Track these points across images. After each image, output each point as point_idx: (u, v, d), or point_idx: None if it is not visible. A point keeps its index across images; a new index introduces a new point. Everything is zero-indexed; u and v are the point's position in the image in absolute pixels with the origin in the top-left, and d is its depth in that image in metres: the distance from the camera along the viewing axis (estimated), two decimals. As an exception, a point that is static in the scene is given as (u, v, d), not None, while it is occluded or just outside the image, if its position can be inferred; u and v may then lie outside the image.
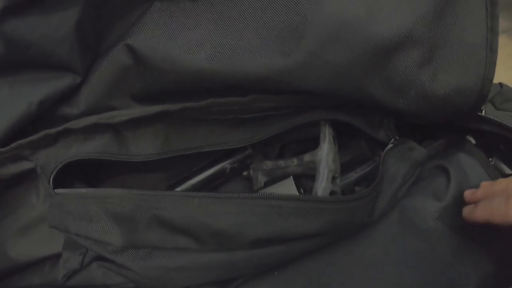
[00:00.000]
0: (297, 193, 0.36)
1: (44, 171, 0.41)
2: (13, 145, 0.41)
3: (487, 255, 0.34)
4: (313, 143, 0.40)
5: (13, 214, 0.46)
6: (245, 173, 0.43)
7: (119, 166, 0.43)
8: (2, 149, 0.41)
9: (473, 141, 0.42)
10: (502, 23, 1.08)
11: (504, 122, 0.38)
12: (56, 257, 0.46)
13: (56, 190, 0.39)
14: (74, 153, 0.41)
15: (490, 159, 0.39)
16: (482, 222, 0.32)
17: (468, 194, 0.34)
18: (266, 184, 0.40)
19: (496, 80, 0.40)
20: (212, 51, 0.34)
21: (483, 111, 0.38)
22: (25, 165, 0.42)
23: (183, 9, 0.37)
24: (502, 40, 1.17)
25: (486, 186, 0.34)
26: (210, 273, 0.33)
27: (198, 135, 0.39)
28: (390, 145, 0.37)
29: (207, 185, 0.43)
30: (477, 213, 0.32)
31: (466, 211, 0.33)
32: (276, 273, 0.33)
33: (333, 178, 0.34)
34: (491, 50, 0.33)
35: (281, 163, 0.39)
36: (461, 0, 0.32)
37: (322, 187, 0.33)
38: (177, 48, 0.36)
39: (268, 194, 0.29)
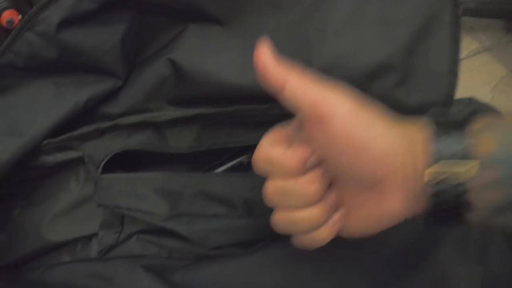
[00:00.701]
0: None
1: (91, 159, 0.47)
2: (64, 136, 0.46)
3: None
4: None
5: (51, 198, 0.50)
6: (258, 165, 0.51)
7: (153, 158, 0.50)
8: (52, 140, 0.45)
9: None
10: (485, 42, 1.17)
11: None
12: (88, 238, 0.50)
13: (103, 175, 0.46)
14: (121, 145, 0.47)
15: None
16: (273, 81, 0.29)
17: None
18: (276, 173, 0.48)
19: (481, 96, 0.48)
20: (239, 70, 0.42)
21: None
22: (71, 154, 0.48)
23: (213, 33, 0.45)
24: (484, 58, 1.26)
25: None
26: (240, 234, 0.42)
27: (223, 134, 0.47)
28: None
29: (228, 175, 0.52)
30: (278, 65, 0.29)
31: None
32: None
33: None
34: (453, 75, 0.42)
35: (289, 157, 0.48)
36: (429, 37, 0.41)
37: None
38: (211, 65, 0.44)
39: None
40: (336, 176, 0.29)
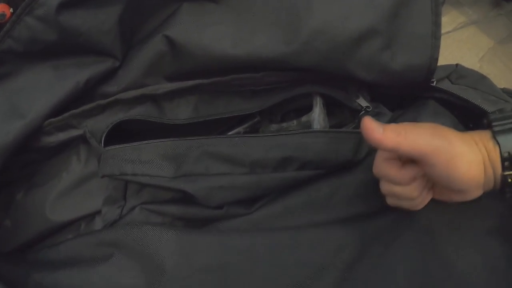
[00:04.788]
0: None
1: (93, 135, 0.47)
2: (66, 114, 0.47)
3: None
4: (306, 112, 0.50)
5: (54, 179, 0.50)
6: (254, 135, 0.53)
7: (155, 133, 0.49)
8: (53, 119, 0.46)
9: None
10: (473, 16, 1.18)
11: (450, 90, 0.47)
12: (91, 216, 0.50)
13: (107, 147, 0.45)
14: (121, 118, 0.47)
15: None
16: (390, 147, 0.35)
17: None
18: (273, 142, 0.50)
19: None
20: (234, 41, 0.44)
21: (434, 82, 0.47)
22: (73, 133, 0.48)
23: (207, 9, 0.46)
24: (471, 31, 1.26)
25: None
26: (242, 192, 0.43)
27: (220, 104, 0.48)
28: (363, 112, 0.48)
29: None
30: (387, 135, 0.34)
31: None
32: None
33: (323, 132, 0.46)
34: (435, 38, 0.43)
35: (284, 125, 0.50)
36: (411, 3, 0.43)
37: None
38: (206, 38, 0.44)
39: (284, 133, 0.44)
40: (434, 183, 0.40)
